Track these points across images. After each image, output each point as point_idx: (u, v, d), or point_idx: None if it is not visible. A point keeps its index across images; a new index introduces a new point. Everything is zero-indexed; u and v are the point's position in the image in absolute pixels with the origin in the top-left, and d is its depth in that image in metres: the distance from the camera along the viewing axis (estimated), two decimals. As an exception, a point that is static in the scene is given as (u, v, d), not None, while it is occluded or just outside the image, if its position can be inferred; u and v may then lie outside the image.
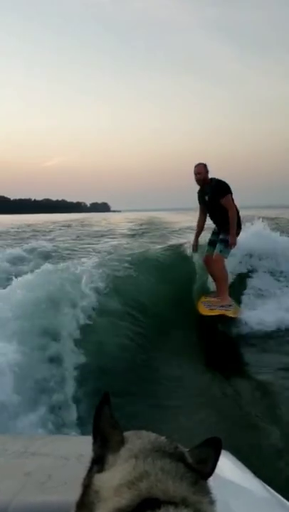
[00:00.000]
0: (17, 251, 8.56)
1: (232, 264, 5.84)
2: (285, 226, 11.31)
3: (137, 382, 3.47)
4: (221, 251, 5.12)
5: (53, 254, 9.02)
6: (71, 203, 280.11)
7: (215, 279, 5.49)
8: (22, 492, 0.83)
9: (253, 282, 6.15)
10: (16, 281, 3.71)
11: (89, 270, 4.59)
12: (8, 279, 3.96)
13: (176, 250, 6.81)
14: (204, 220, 5.57)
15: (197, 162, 5.23)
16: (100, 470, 0.47)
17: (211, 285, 5.70)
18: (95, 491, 0.45)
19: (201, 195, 5.37)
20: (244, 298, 5.84)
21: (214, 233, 5.42)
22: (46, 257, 8.27)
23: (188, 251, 6.22)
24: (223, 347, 4.72)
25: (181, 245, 7.00)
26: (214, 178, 5.20)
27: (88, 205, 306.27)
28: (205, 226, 5.70)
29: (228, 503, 0.48)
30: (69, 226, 21.19)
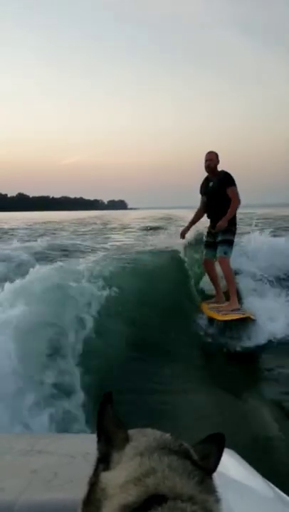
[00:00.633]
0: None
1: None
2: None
3: (137, 381, 3.47)
4: (225, 253, 4.99)
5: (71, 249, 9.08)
6: (88, 201, 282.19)
7: (214, 283, 5.37)
8: (28, 490, 0.83)
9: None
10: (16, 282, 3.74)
11: (89, 270, 4.59)
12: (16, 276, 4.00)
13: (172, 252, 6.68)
14: (203, 214, 5.41)
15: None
16: (106, 468, 0.47)
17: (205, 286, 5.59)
18: (102, 489, 0.45)
19: (206, 184, 5.26)
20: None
21: (210, 234, 5.28)
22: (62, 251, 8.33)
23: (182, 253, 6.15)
24: (223, 349, 4.58)
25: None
26: (223, 171, 5.13)
27: (106, 202, 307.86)
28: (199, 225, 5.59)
29: (231, 501, 0.47)
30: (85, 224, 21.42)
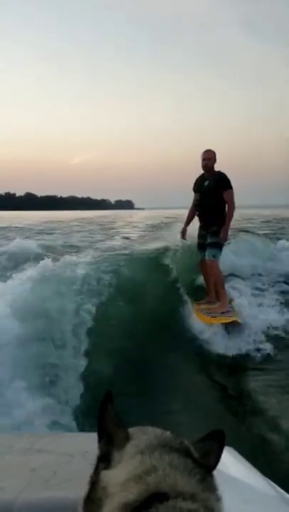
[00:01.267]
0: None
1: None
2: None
3: (135, 381, 3.48)
4: (214, 256, 4.97)
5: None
6: (96, 200, 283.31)
7: (208, 284, 5.34)
8: (27, 488, 0.83)
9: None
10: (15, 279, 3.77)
11: (85, 269, 4.60)
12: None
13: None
14: (196, 212, 5.33)
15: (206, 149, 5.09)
16: (107, 467, 0.47)
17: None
18: (103, 487, 0.45)
19: (201, 182, 5.15)
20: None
21: (201, 236, 5.23)
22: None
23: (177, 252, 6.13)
24: (215, 349, 4.55)
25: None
26: (220, 171, 5.05)
27: (113, 202, 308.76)
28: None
29: (231, 499, 0.46)
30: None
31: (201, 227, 5.25)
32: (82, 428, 2.57)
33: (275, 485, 0.97)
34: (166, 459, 0.44)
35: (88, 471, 0.48)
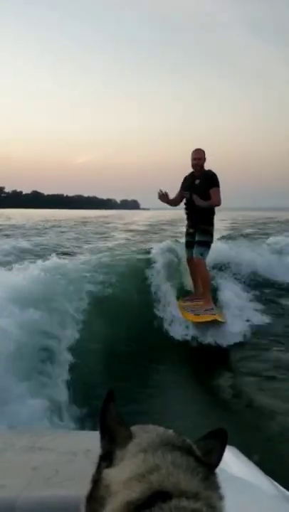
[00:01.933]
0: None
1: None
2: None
3: (121, 381, 3.45)
4: (201, 254, 5.00)
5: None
6: (102, 200, 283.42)
7: (195, 282, 5.37)
8: (29, 487, 0.83)
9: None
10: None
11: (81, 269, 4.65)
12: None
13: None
14: (179, 203, 5.29)
15: (196, 148, 5.09)
16: (109, 465, 0.47)
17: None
18: (105, 486, 0.45)
19: (190, 180, 5.13)
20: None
21: (188, 234, 5.25)
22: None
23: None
24: (212, 347, 4.60)
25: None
26: (210, 170, 5.06)
27: (118, 202, 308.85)
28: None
29: (234, 498, 0.46)
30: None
31: (188, 226, 5.28)
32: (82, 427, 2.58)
33: (277, 484, 0.97)
34: (169, 457, 0.44)
35: (90, 469, 0.48)
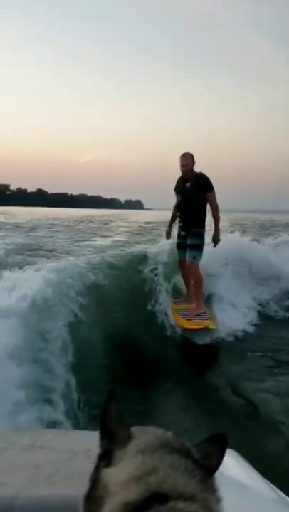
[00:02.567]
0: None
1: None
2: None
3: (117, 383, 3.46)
4: (194, 257, 4.97)
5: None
6: (106, 199, 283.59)
7: (187, 284, 5.36)
8: (29, 485, 0.83)
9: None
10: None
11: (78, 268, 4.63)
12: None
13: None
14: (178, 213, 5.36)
15: (184, 152, 5.08)
16: (108, 465, 0.47)
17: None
18: (103, 486, 0.45)
19: (182, 184, 5.17)
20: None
21: (180, 236, 5.24)
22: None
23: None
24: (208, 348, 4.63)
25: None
26: (201, 173, 5.05)
27: (122, 201, 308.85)
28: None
29: (233, 501, 0.46)
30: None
31: (181, 228, 5.27)
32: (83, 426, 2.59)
33: (276, 488, 0.97)
34: (167, 459, 0.44)
35: (90, 468, 0.48)
